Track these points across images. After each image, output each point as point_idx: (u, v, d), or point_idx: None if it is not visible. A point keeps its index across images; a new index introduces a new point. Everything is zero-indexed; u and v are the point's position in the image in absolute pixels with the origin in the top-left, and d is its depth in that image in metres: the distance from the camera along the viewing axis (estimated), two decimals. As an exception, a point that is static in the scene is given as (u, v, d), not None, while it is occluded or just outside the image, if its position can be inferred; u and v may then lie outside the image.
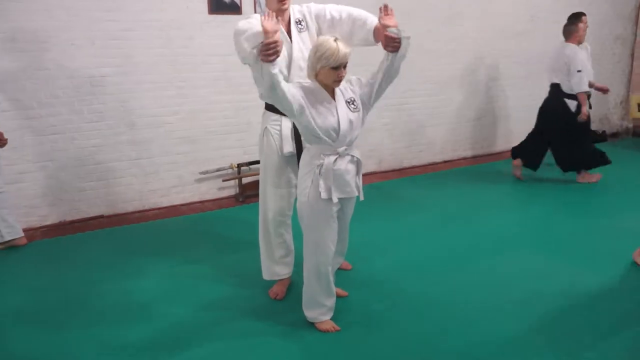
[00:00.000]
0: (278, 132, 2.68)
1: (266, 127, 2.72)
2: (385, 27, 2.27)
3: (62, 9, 3.80)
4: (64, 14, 3.82)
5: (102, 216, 4.25)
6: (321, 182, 2.32)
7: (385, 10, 2.29)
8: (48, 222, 4.08)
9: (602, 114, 7.65)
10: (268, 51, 2.03)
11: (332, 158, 2.32)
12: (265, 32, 2.04)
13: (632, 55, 7.63)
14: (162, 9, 4.14)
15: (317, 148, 2.34)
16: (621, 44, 7.49)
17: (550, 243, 3.65)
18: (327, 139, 2.30)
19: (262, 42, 2.04)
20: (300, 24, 2.56)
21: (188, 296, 2.95)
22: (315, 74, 2.28)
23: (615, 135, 7.74)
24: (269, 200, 2.80)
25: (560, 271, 3.17)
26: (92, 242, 3.79)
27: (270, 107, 2.69)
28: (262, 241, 2.91)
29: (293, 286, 2.96)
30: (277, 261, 2.90)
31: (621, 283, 2.99)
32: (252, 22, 2.39)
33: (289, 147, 2.68)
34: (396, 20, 2.28)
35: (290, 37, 2.54)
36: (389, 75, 2.37)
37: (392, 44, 2.28)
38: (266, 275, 2.95)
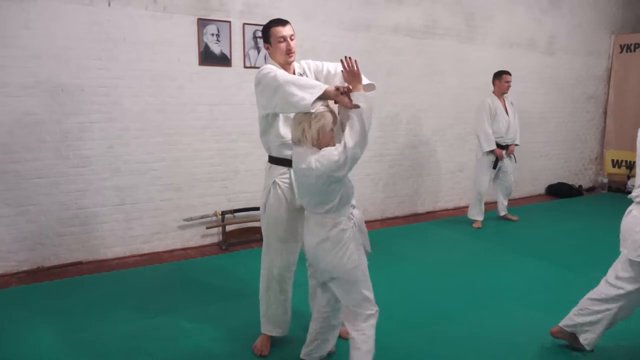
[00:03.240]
0: (288, 185, 2.64)
1: (274, 181, 2.67)
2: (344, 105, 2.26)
3: (52, 56, 3.88)
4: (54, 61, 3.90)
5: (81, 262, 4.18)
6: (353, 245, 2.33)
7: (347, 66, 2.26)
8: (25, 268, 3.99)
9: (578, 169, 7.90)
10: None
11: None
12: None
13: (605, 113, 7.97)
14: (153, 60, 4.26)
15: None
16: (594, 103, 7.83)
17: (533, 295, 3.68)
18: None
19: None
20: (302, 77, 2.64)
21: (167, 348, 2.87)
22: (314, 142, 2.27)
23: (591, 189, 7.96)
24: (276, 256, 2.72)
25: (542, 324, 3.19)
26: (68, 290, 3.70)
27: (275, 161, 2.69)
28: (264, 297, 2.82)
29: (281, 341, 2.89)
30: (274, 320, 2.81)
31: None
32: (286, 74, 2.45)
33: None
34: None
35: None
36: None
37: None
38: (266, 330, 2.85)
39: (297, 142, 2.30)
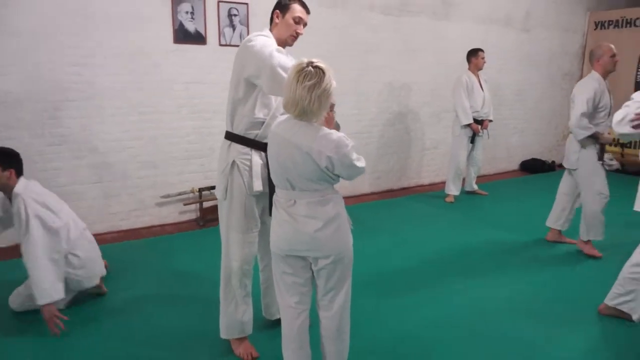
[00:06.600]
0: (247, 168, 2.44)
1: (234, 161, 2.45)
2: None
3: (26, 32, 3.87)
4: (29, 38, 3.88)
5: (60, 239, 4.23)
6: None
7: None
8: (2, 245, 4.05)
9: (552, 146, 8.08)
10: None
11: None
12: None
13: (579, 90, 8.09)
14: (126, 37, 4.25)
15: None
16: (569, 80, 7.96)
17: (506, 266, 3.84)
18: None
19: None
20: None
21: (144, 326, 2.95)
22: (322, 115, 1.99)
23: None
24: (235, 248, 2.53)
25: (514, 292, 3.36)
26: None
27: (237, 139, 2.46)
28: (224, 297, 2.61)
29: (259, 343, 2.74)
30: (243, 317, 2.61)
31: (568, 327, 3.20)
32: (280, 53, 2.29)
33: (260, 184, 2.43)
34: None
35: None
36: None
37: None
38: (227, 334, 2.64)
39: (298, 111, 1.93)
